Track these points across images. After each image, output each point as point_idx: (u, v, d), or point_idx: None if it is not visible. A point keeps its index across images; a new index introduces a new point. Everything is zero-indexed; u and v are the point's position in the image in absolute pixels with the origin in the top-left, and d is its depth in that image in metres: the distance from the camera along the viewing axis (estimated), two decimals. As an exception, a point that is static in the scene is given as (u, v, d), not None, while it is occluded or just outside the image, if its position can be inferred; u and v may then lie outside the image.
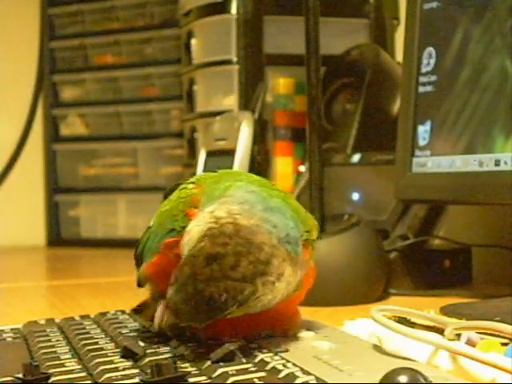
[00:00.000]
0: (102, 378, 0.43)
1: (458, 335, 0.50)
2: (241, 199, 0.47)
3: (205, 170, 1.14)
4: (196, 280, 0.43)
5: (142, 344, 0.49)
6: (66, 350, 0.51)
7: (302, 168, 1.15)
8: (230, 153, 1.09)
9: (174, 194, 0.53)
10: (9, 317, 0.82)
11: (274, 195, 0.50)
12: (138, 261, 0.55)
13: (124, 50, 1.74)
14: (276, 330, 0.50)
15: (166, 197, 0.55)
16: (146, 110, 1.71)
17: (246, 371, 0.42)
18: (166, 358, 0.45)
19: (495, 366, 0.42)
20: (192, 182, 0.52)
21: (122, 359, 0.47)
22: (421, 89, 0.83)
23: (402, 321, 0.56)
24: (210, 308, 0.43)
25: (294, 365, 0.43)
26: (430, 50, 0.83)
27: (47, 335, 0.57)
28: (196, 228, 0.46)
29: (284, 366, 0.43)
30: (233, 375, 0.41)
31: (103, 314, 0.63)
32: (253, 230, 0.45)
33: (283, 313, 0.50)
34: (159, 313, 0.51)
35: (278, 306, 0.48)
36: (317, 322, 0.56)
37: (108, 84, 1.76)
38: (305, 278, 0.49)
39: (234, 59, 1.22)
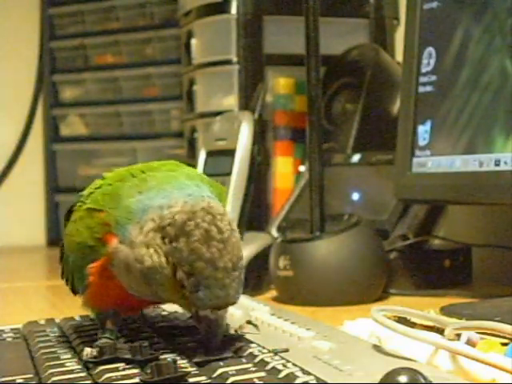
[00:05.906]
0: (102, 378, 0.43)
1: (458, 335, 0.50)
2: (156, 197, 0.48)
3: (205, 170, 1.14)
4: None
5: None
6: (66, 350, 0.51)
7: (302, 168, 1.15)
8: (230, 153, 1.09)
9: (75, 218, 0.53)
10: (9, 317, 0.82)
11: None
12: (73, 291, 0.55)
13: (124, 49, 1.74)
14: None
15: (66, 219, 0.55)
16: (146, 110, 1.71)
17: (246, 371, 0.42)
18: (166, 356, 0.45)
19: (495, 366, 0.42)
20: (95, 209, 0.51)
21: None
22: (421, 89, 0.83)
23: (402, 321, 0.56)
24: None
25: (294, 365, 0.43)
26: (430, 50, 0.83)
27: (47, 335, 0.57)
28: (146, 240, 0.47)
29: (284, 365, 0.43)
30: (233, 375, 0.41)
31: (103, 314, 0.63)
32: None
33: None
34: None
35: None
36: (317, 322, 0.56)
37: (108, 84, 1.76)
38: None
39: (234, 59, 1.22)
